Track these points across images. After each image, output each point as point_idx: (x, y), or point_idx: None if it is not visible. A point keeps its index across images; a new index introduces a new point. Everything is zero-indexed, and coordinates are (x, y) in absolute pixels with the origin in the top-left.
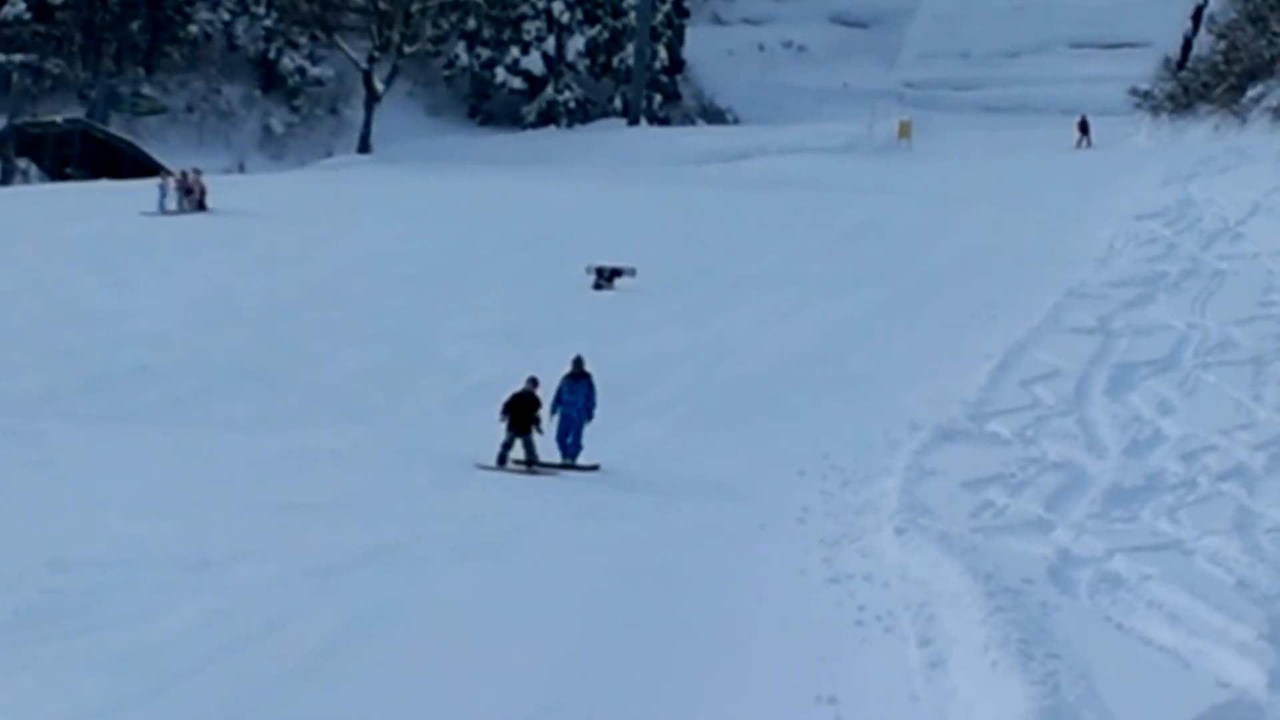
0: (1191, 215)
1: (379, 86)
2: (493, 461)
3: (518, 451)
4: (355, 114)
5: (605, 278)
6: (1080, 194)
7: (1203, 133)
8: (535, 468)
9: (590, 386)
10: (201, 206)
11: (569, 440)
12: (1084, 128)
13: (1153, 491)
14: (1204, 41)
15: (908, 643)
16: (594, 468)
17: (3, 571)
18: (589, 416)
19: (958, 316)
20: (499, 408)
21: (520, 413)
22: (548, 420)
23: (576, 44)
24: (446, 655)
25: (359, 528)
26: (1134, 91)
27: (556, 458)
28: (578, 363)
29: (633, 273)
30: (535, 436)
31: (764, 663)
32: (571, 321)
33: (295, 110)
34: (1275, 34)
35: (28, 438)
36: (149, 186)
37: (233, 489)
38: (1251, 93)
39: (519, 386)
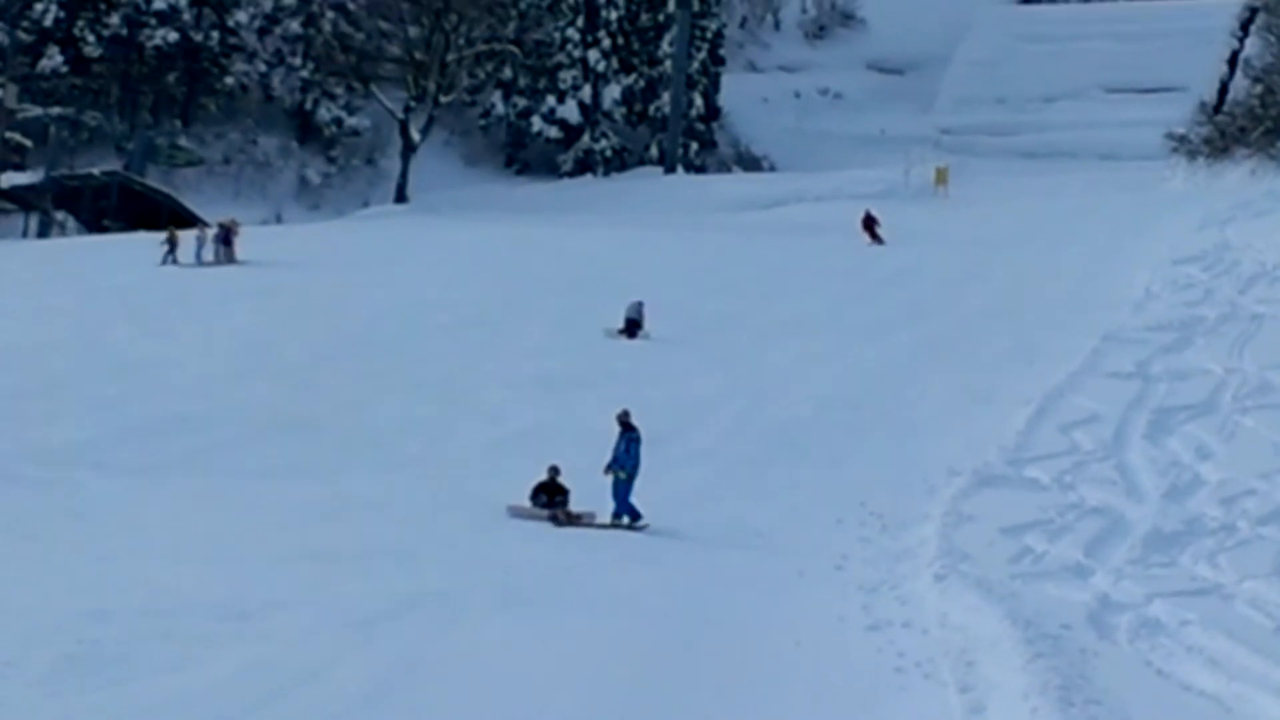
0: (1229, 259)
1: (415, 136)
2: (526, 506)
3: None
4: (392, 164)
5: (626, 330)
6: (1117, 239)
7: (1239, 176)
8: (579, 520)
9: (623, 440)
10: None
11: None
12: (870, 224)
13: (1192, 536)
14: (1240, 85)
15: (948, 689)
16: (640, 527)
17: (41, 621)
18: (615, 468)
19: (995, 361)
20: (529, 492)
21: (552, 493)
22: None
23: (613, 92)
24: (486, 704)
25: (397, 576)
26: (1170, 135)
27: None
28: (619, 417)
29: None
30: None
31: (804, 710)
32: (609, 368)
33: (332, 161)
34: None
35: (66, 487)
36: (186, 238)
37: (270, 538)
38: None
39: (542, 476)
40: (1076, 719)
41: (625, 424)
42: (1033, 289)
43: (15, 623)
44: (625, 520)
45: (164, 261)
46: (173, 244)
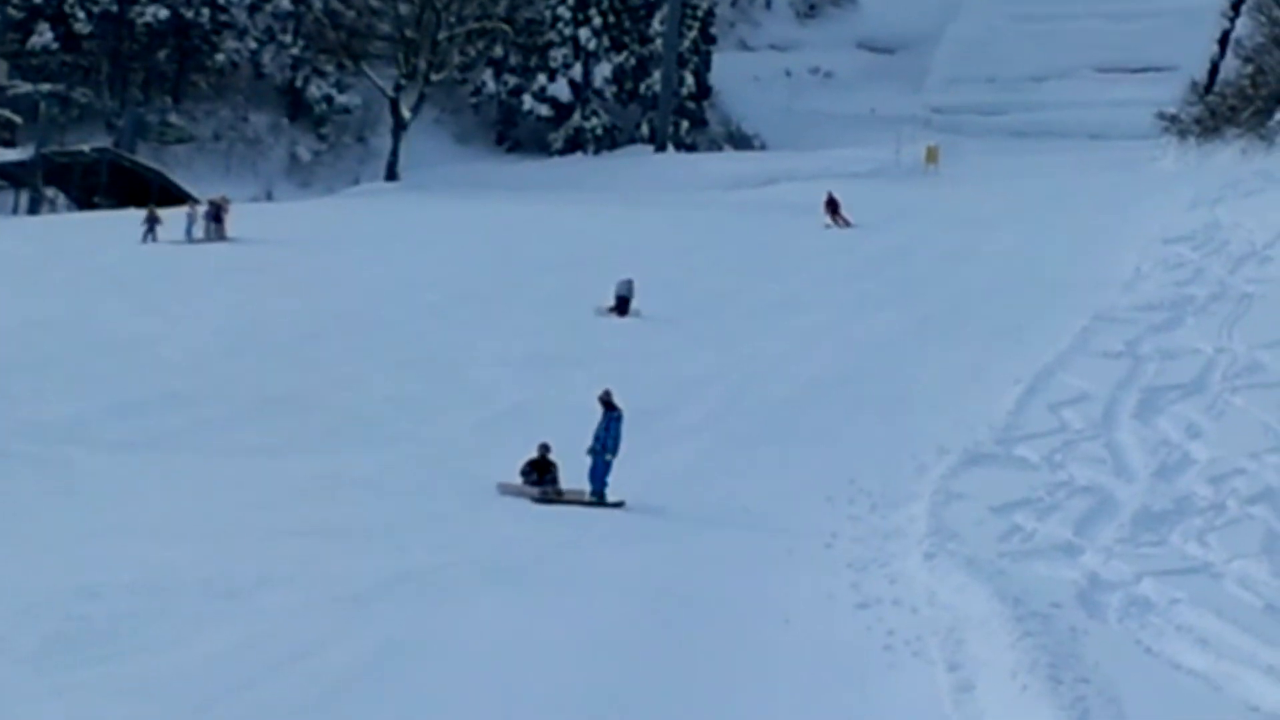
0: (1219, 239)
1: (406, 114)
2: (516, 483)
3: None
4: (382, 142)
5: (617, 308)
6: (1107, 218)
7: (1230, 156)
8: (564, 497)
9: (605, 420)
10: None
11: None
12: (833, 206)
13: (1181, 515)
14: (1231, 65)
15: (936, 667)
16: (614, 504)
17: (30, 598)
18: (597, 450)
19: (985, 340)
20: (519, 469)
21: (542, 470)
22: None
23: (603, 71)
24: (476, 681)
25: (387, 553)
26: (1161, 115)
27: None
28: (601, 397)
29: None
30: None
31: (793, 688)
32: (599, 346)
33: (322, 138)
34: None
35: (56, 464)
36: (176, 215)
37: (261, 515)
38: (1279, 116)
39: (533, 454)
40: (1065, 697)
41: (607, 403)
42: (1023, 268)
43: (5, 600)
44: (596, 497)
45: (144, 240)
46: (152, 222)
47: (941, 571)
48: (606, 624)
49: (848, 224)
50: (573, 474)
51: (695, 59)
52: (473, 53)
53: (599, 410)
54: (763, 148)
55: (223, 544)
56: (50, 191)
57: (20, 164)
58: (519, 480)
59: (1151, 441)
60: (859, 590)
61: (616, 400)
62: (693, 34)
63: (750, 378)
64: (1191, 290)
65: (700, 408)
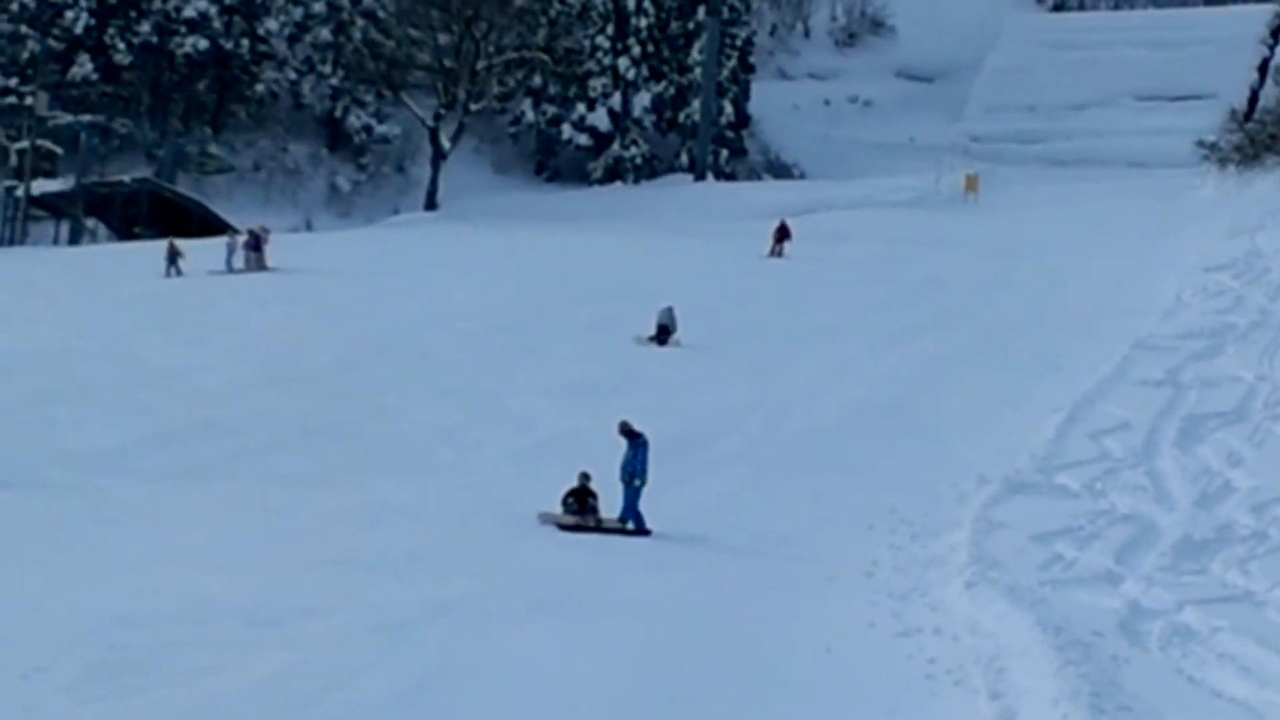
0: (1259, 266)
1: (445, 144)
2: (557, 512)
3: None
4: (422, 171)
5: (657, 336)
6: (1147, 246)
7: (1270, 184)
8: (592, 523)
9: (632, 448)
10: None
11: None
12: (782, 234)
13: (1223, 543)
14: (1270, 93)
15: (978, 696)
16: (643, 532)
17: (70, 627)
18: (625, 479)
19: (1025, 368)
20: (560, 498)
21: (583, 499)
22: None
23: (643, 100)
24: (516, 710)
25: (427, 582)
26: (1200, 143)
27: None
28: (621, 429)
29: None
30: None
31: (834, 716)
32: (638, 375)
33: (362, 168)
34: None
35: (94, 493)
36: (216, 245)
37: (300, 544)
38: None
39: (573, 483)
40: None
41: (629, 433)
42: (1062, 296)
43: (45, 629)
44: (630, 525)
45: (167, 274)
46: (173, 256)
47: (983, 600)
48: (646, 652)
49: (780, 255)
50: (613, 504)
51: (734, 88)
52: (512, 82)
53: (623, 442)
54: (802, 177)
55: (262, 573)
56: (91, 222)
57: (61, 194)
58: (560, 510)
59: (1192, 470)
60: (900, 619)
61: (638, 427)
62: (731, 63)
63: (789, 406)
64: (1232, 318)
65: (739, 436)
